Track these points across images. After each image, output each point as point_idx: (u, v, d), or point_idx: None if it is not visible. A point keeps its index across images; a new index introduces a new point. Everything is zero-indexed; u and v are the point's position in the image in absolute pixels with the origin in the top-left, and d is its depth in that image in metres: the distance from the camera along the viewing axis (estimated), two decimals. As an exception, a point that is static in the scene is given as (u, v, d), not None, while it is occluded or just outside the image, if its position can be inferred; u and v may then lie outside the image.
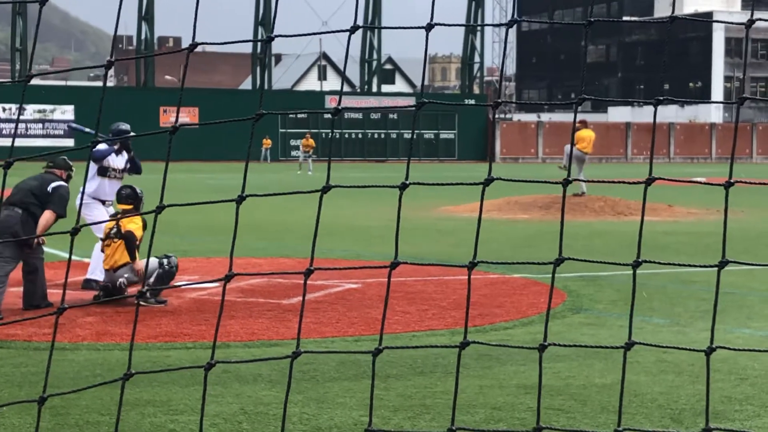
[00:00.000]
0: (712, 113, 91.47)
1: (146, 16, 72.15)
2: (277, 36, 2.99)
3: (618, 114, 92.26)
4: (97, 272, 12.30)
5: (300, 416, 6.89)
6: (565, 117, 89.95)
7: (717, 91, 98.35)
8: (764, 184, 2.95)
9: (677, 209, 25.07)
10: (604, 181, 3.11)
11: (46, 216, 10.78)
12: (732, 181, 2.79)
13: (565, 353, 8.66)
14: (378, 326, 10.10)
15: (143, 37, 73.15)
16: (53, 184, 10.92)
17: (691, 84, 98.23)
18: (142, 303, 11.06)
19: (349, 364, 8.38)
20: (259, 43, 74.85)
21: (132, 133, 12.97)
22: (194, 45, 2.99)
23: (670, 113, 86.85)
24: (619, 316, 10.72)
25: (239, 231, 3.06)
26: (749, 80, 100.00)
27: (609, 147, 78.57)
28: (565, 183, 2.93)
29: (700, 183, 2.79)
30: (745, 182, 2.92)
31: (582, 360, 8.51)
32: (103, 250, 11.64)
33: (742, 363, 8.40)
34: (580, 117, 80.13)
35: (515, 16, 3.28)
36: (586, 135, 26.95)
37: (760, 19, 3.14)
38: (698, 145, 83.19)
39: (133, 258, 11.21)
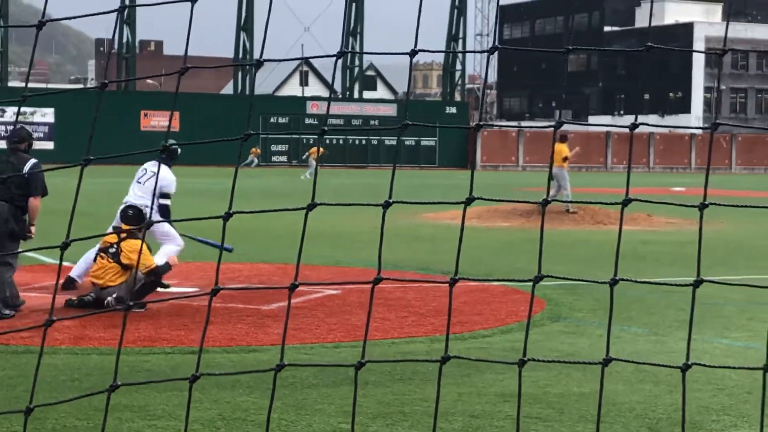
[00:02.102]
0: (692, 123, 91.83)
1: (128, 20, 72.06)
2: (266, 60, 3.05)
3: (598, 122, 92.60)
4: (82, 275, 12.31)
5: (278, 422, 6.89)
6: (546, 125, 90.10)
7: (697, 101, 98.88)
8: (735, 206, 3.02)
9: (656, 219, 25.17)
10: (582, 202, 3.14)
11: (35, 203, 10.82)
12: (707, 203, 2.88)
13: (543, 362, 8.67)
14: (357, 332, 10.10)
15: (125, 40, 73.08)
16: (26, 167, 10.77)
17: (671, 94, 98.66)
18: (119, 308, 11.01)
19: (327, 371, 8.37)
20: (241, 48, 74.81)
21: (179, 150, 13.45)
22: (186, 68, 3.03)
23: (650, 122, 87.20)
24: (599, 325, 10.74)
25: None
26: (729, 91, 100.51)
27: (589, 156, 78.78)
28: (544, 203, 2.99)
29: (675, 204, 2.85)
30: (718, 205, 2.99)
31: (560, 369, 8.53)
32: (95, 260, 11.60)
33: (720, 373, 8.43)
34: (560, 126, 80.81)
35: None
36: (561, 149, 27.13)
37: (732, 49, 3.22)
38: (678, 155, 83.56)
39: (166, 287, 12.02)
